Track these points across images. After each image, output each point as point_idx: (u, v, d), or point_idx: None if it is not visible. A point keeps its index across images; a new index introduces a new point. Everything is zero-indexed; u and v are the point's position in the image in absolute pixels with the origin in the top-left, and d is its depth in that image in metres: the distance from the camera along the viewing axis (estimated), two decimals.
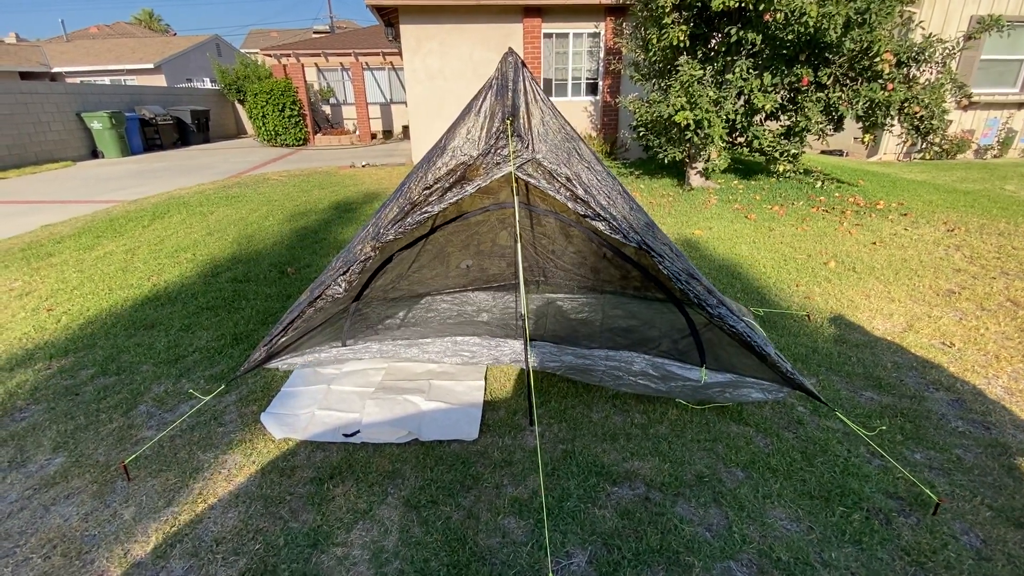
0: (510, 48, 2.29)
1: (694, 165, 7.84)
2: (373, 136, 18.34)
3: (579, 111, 10.80)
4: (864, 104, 6.49)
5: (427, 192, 2.16)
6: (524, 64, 2.22)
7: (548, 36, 10.32)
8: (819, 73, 6.59)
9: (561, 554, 1.88)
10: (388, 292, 3.36)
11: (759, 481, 2.20)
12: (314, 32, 28.77)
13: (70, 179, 10.53)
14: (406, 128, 18.16)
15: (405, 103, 17.14)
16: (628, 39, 8.06)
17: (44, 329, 3.70)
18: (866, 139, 7.09)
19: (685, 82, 6.48)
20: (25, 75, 21.74)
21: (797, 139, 7.01)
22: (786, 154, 7.05)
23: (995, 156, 10.82)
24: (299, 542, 1.94)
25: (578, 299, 3.61)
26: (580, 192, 2.10)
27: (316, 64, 17.79)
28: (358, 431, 2.52)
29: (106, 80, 22.84)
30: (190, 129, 17.00)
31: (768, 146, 7.09)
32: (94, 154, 14.00)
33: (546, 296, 3.66)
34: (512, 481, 2.22)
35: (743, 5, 6.13)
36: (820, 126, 6.76)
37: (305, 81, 16.62)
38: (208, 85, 24.47)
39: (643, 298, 3.39)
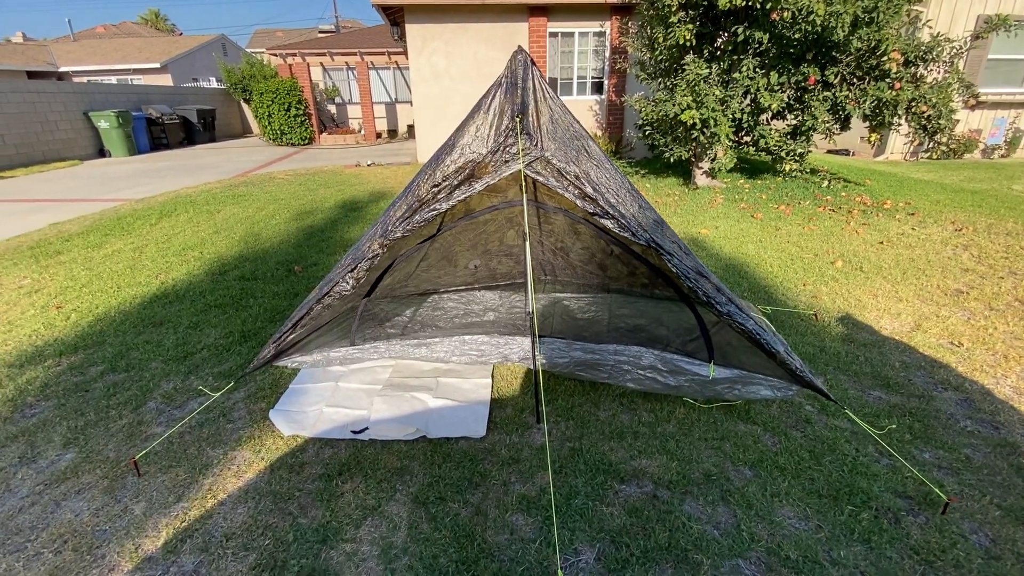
0: (520, 46, 2.29)
1: (700, 164, 7.83)
2: (378, 135, 18.38)
3: (584, 110, 10.79)
4: (871, 103, 6.47)
5: (435, 189, 2.17)
6: (533, 62, 2.22)
7: (554, 35, 10.31)
8: (826, 72, 6.56)
9: (569, 551, 1.89)
10: (395, 291, 3.37)
11: (767, 480, 2.20)
12: (319, 31, 28.84)
13: (77, 178, 10.59)
14: (411, 127, 18.20)
15: (410, 102, 17.27)
16: (634, 38, 8.06)
17: (53, 326, 3.73)
18: (872, 138, 7.07)
19: (691, 81, 6.46)
20: (32, 74, 21.85)
21: (803, 138, 6.99)
22: (792, 153, 7.03)
23: (1002, 156, 10.76)
24: (308, 538, 1.95)
25: (585, 297, 3.60)
26: (589, 190, 2.10)
27: (321, 63, 17.85)
28: (366, 428, 2.53)
29: (113, 80, 22.94)
30: (196, 128, 17.07)
31: (774, 145, 7.07)
32: (101, 153, 14.08)
33: (553, 295, 3.66)
34: (520, 478, 2.22)
35: (750, 4, 6.11)
36: (827, 125, 6.74)
37: (310, 80, 16.67)
38: (214, 84, 24.55)
39: (651, 296, 3.39)
